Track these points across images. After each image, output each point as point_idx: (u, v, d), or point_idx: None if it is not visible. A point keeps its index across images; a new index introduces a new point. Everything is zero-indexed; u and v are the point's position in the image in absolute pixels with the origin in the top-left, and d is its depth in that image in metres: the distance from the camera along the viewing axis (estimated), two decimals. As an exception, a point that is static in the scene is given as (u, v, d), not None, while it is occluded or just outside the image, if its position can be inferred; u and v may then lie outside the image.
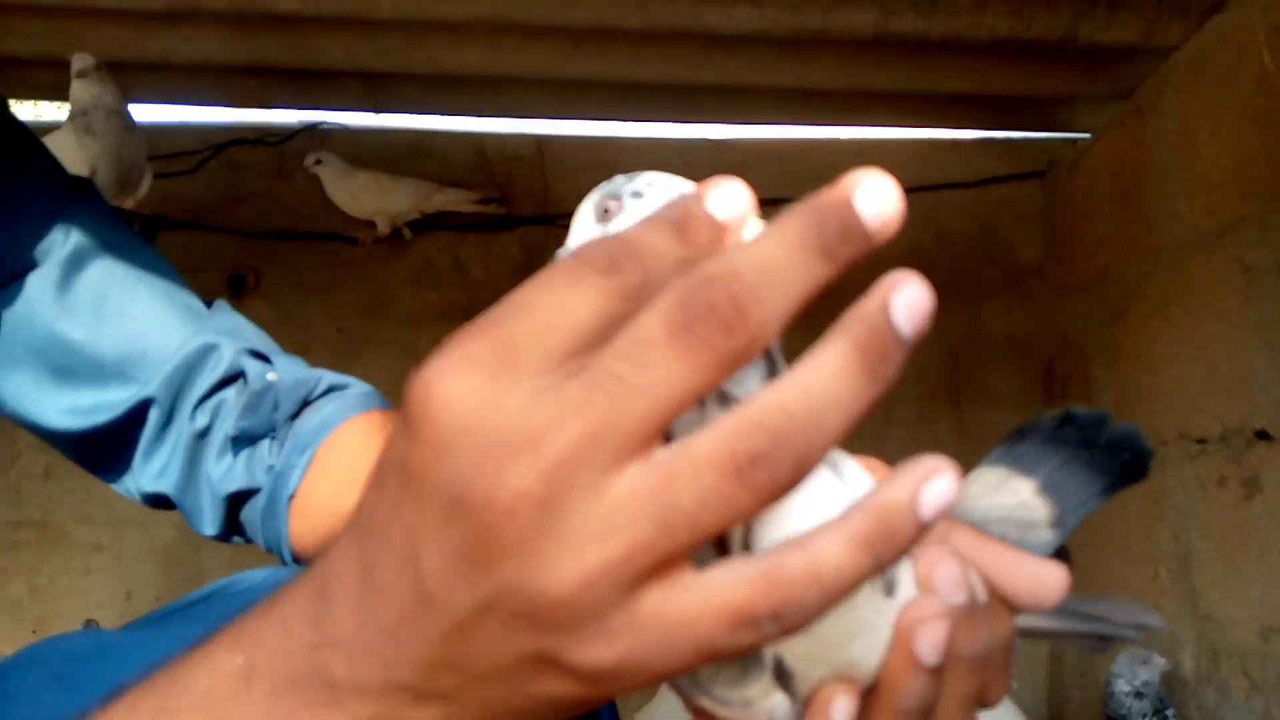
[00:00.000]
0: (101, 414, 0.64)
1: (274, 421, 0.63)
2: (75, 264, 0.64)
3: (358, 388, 0.67)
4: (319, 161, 2.16)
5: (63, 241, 0.64)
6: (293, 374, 0.65)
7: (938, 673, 0.29)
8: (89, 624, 2.08)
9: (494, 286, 2.32)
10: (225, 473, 0.63)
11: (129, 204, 1.73)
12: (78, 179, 0.70)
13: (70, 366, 0.64)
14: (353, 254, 2.31)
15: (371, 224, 2.25)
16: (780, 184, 2.42)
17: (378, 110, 2.30)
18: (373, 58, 1.96)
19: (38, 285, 0.64)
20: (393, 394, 1.95)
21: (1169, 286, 1.84)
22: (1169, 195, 1.84)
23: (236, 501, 0.64)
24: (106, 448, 0.66)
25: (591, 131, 2.45)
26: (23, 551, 2.25)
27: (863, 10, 1.75)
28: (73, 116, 1.65)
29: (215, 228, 2.20)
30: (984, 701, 0.33)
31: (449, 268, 2.39)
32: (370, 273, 2.34)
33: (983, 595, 0.32)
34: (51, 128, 1.78)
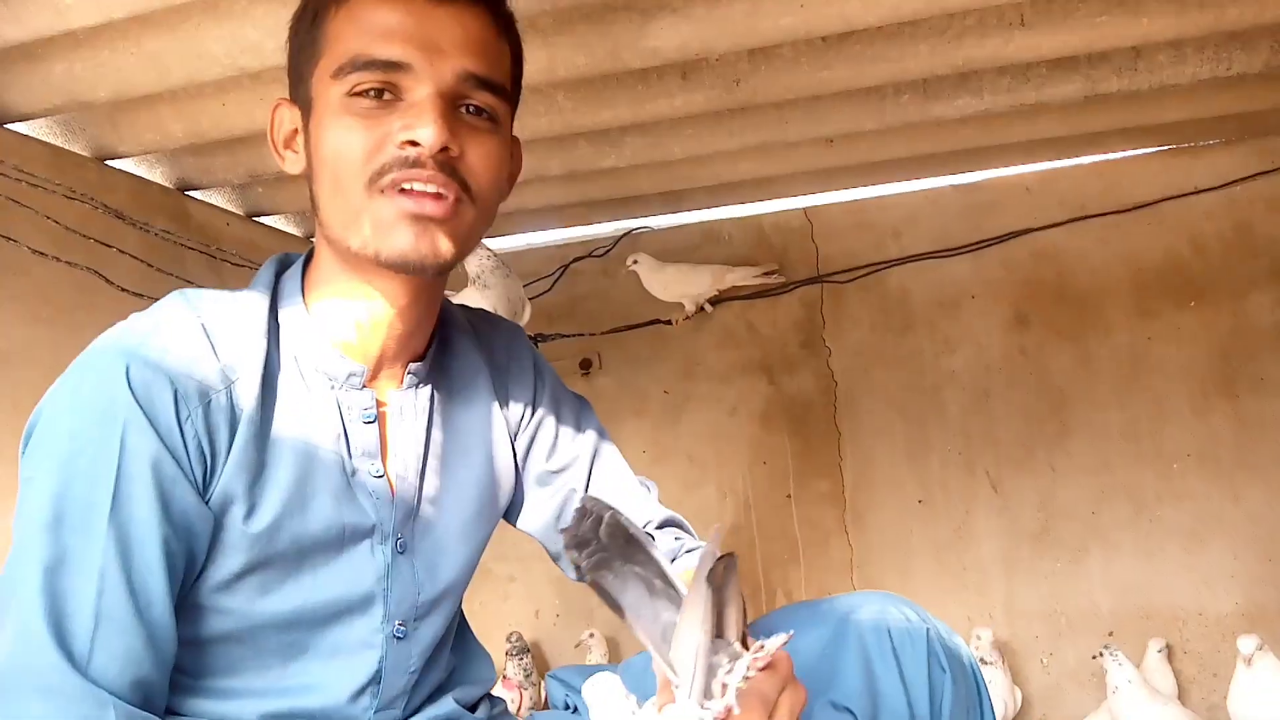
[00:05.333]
0: None
1: None
2: None
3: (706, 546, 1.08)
4: (635, 262, 2.65)
5: None
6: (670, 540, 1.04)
7: None
8: (513, 634, 2.66)
9: (781, 340, 2.76)
10: None
11: (517, 327, 2.32)
12: None
13: None
14: (669, 331, 2.78)
15: (680, 305, 2.73)
16: (1033, 214, 2.65)
17: (675, 212, 2.78)
18: (670, 182, 2.44)
19: None
20: (710, 433, 2.63)
21: None
22: None
23: None
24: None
25: (851, 196, 2.74)
26: (461, 583, 2.96)
27: (1071, 81, 1.94)
28: (472, 279, 2.25)
29: (567, 334, 2.80)
30: None
31: (744, 331, 2.79)
32: (684, 343, 2.80)
33: None
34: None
